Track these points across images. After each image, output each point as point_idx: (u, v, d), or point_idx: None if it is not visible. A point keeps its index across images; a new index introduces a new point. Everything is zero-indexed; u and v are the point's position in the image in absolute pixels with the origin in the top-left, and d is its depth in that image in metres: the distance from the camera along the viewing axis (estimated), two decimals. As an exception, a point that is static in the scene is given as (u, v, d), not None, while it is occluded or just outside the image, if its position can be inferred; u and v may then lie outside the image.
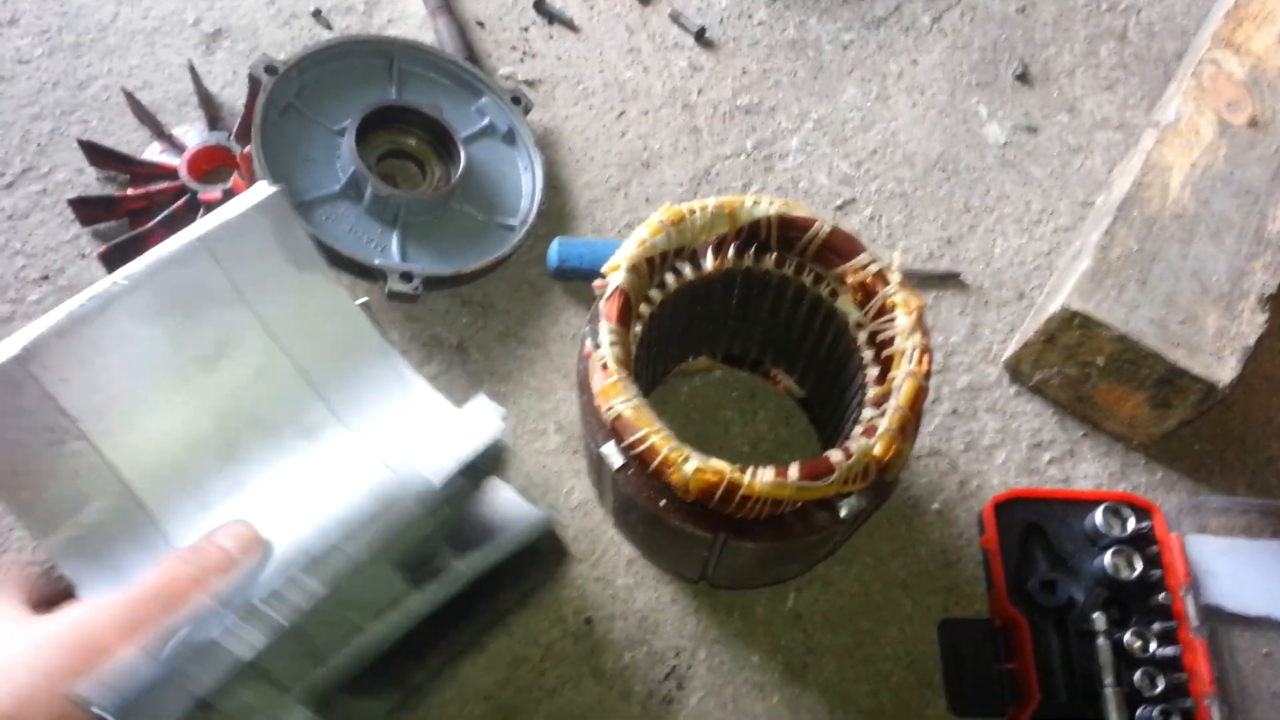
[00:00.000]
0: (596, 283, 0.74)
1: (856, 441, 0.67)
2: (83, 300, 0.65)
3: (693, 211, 0.74)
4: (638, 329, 0.75)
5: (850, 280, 0.76)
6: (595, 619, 0.89)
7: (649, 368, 0.87)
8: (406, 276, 0.92)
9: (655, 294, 0.77)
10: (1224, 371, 0.89)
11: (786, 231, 0.76)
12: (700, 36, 1.19)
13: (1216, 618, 0.91)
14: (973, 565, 0.95)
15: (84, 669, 0.50)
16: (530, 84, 1.15)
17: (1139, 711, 0.85)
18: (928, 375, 0.70)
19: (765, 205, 0.75)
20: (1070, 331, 0.93)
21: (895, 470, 0.70)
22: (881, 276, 0.74)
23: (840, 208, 1.11)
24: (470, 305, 1.01)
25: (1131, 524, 0.91)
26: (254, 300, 0.69)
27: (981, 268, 1.09)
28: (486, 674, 0.85)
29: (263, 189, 0.70)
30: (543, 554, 0.69)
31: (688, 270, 0.78)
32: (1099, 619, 0.87)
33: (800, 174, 1.13)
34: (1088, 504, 0.93)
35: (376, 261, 0.93)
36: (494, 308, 1.01)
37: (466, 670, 0.85)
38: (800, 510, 0.70)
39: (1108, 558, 0.89)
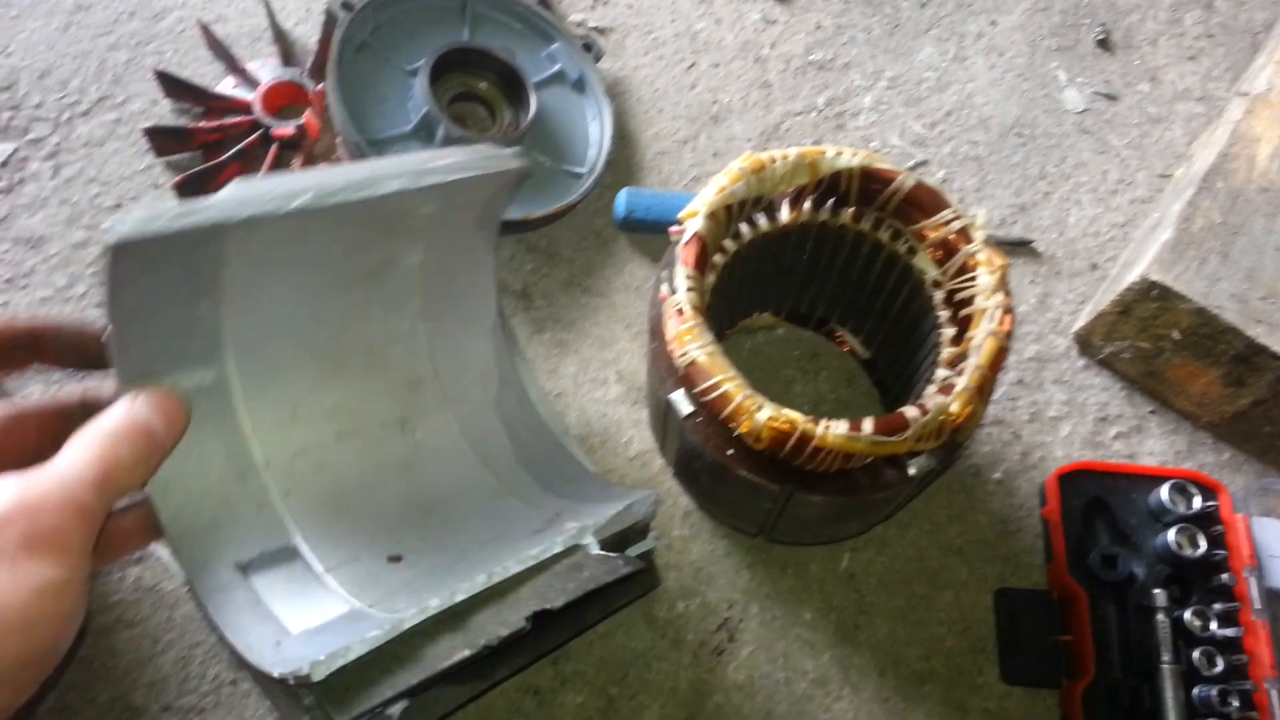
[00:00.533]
0: (673, 228, 0.73)
1: (932, 399, 0.66)
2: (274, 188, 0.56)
3: (774, 160, 0.73)
4: (710, 278, 0.74)
5: (930, 237, 0.74)
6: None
7: (715, 320, 0.87)
8: (475, 219, 0.92)
9: (729, 244, 0.76)
10: (1304, 350, 0.87)
11: (868, 185, 0.75)
12: (775, -10, 1.17)
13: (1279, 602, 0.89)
14: (1031, 536, 0.93)
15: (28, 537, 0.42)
16: (601, 31, 1.14)
17: (1196, 691, 0.83)
18: (1009, 335, 0.68)
19: (848, 156, 0.73)
20: (1147, 303, 0.91)
21: (968, 432, 0.69)
22: (965, 234, 0.72)
23: (912, 169, 1.09)
24: (535, 252, 1.01)
25: (1197, 502, 0.90)
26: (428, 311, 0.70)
27: (1054, 236, 1.07)
28: (541, 617, 0.86)
29: (508, 157, 0.68)
30: (638, 577, 0.71)
31: (763, 221, 0.77)
32: (1159, 595, 0.86)
33: (872, 133, 1.11)
34: (1153, 480, 0.92)
35: (446, 203, 0.93)
36: (559, 255, 1.01)
37: (521, 612, 0.86)
38: (869, 466, 0.70)
39: (1171, 535, 0.88)
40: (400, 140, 0.96)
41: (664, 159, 1.07)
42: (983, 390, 0.67)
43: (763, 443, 0.66)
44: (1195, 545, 0.88)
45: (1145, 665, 0.85)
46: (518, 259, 1.01)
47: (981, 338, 0.68)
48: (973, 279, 0.71)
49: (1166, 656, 0.84)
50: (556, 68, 1.06)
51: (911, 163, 1.09)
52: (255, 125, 0.99)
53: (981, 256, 0.71)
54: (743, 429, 0.66)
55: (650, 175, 1.06)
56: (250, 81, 1.02)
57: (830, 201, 0.78)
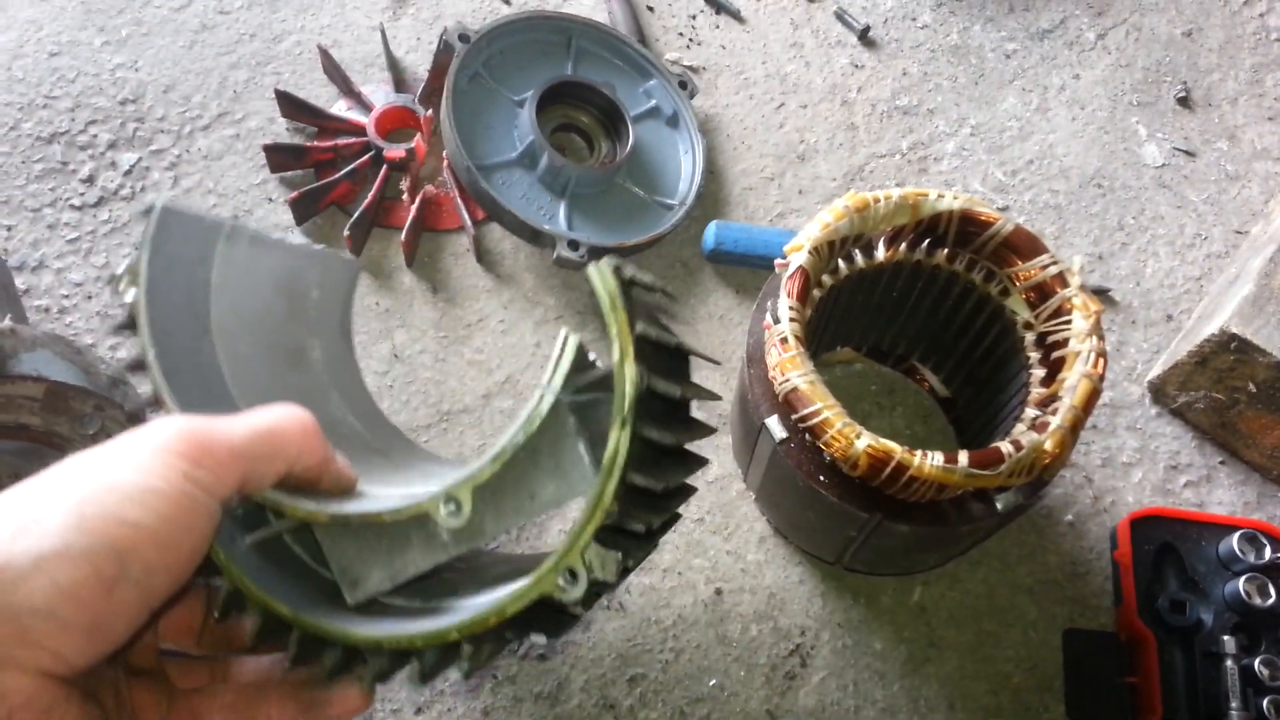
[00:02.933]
0: (778, 261, 0.76)
1: (1026, 436, 0.69)
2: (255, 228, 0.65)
3: (877, 200, 0.76)
4: (807, 311, 0.77)
5: (1025, 280, 0.77)
6: (725, 590, 0.92)
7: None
8: (574, 244, 0.96)
9: (827, 279, 0.80)
10: (1383, 410, 0.88)
11: (966, 227, 0.78)
12: (864, 35, 1.21)
13: (1348, 656, 0.90)
14: (1101, 579, 0.95)
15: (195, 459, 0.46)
16: (694, 70, 1.18)
17: (1264, 739, 0.85)
18: (1102, 378, 0.71)
19: (949, 200, 0.77)
20: (1225, 354, 0.93)
21: (1055, 471, 0.72)
22: (1061, 278, 0.75)
23: (992, 215, 1.12)
24: (625, 278, 1.05)
25: (1268, 552, 0.91)
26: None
27: (1131, 286, 1.09)
28: (619, 632, 0.89)
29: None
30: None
31: (860, 258, 0.81)
32: (1229, 642, 0.87)
33: (954, 178, 1.14)
34: (1223, 529, 0.93)
35: (546, 227, 0.97)
36: (648, 282, 1.05)
37: (601, 625, 0.89)
38: (957, 499, 0.72)
39: (1241, 583, 0.89)
40: (505, 166, 1.01)
41: (751, 195, 1.11)
42: (1075, 430, 0.70)
43: (859, 469, 0.69)
44: (1265, 595, 0.89)
45: (1212, 711, 0.86)
46: (608, 284, 1.04)
47: (1075, 379, 0.70)
48: (1066, 322, 0.74)
49: (1235, 704, 0.85)
50: (652, 103, 1.10)
51: (993, 208, 1.12)
52: (367, 147, 1.04)
53: (1077, 301, 0.73)
54: (840, 455, 0.69)
55: (737, 210, 1.10)
56: (363, 105, 1.07)
57: (926, 242, 0.81)
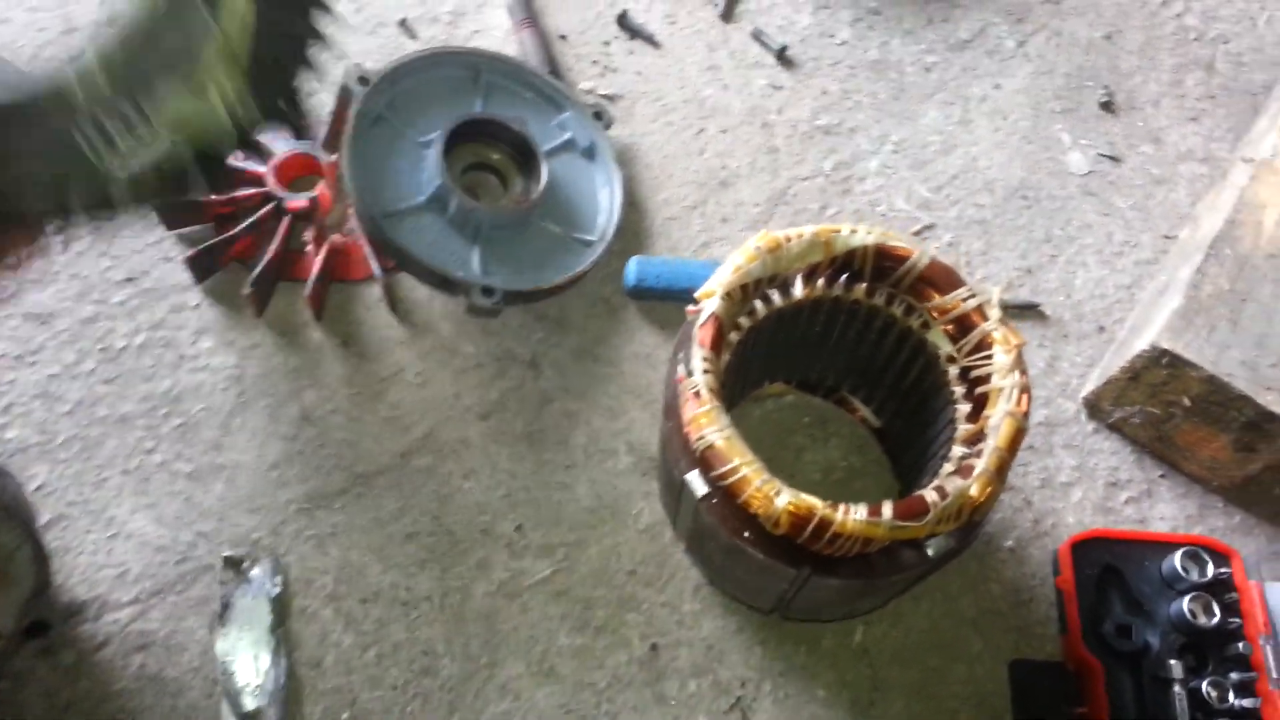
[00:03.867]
0: (690, 308, 0.73)
1: (951, 481, 0.66)
2: None
3: (789, 239, 0.73)
4: (725, 356, 0.74)
5: (944, 314, 0.75)
6: (661, 645, 0.88)
7: (729, 393, 0.87)
8: (488, 291, 0.93)
9: (744, 320, 0.77)
10: (1316, 419, 0.87)
11: (882, 261, 0.76)
12: (781, 55, 1.19)
13: (1295, 669, 0.89)
14: (1045, 605, 0.93)
15: None
16: (610, 99, 1.15)
17: (1217, 764, 0.83)
18: (1026, 416, 0.69)
19: (862, 234, 0.74)
20: (1157, 370, 0.91)
21: (986, 512, 0.69)
22: (980, 311, 0.73)
23: (918, 233, 1.10)
24: (545, 320, 1.01)
25: (1210, 569, 0.89)
26: None
27: (1061, 299, 1.08)
28: (551, 698, 0.85)
29: None
30: None
31: (777, 297, 0.78)
32: (1175, 666, 0.85)
33: (879, 197, 1.12)
34: (1165, 547, 0.92)
35: (459, 275, 0.93)
36: (569, 324, 1.02)
37: (530, 692, 0.85)
38: (887, 548, 0.69)
39: (1185, 603, 0.87)
40: (414, 212, 0.97)
41: (673, 225, 1.08)
42: (1001, 472, 0.67)
43: (781, 528, 0.66)
44: (1210, 614, 0.88)
45: (1163, 739, 0.84)
46: (527, 328, 1.01)
47: (999, 418, 0.68)
48: (988, 356, 0.72)
49: (1185, 730, 0.84)
50: (567, 136, 1.07)
51: (918, 226, 1.10)
52: (268, 198, 1.00)
53: (997, 334, 0.71)
54: (761, 513, 0.66)
55: (659, 242, 1.07)
56: (262, 153, 1.02)
57: (844, 277, 0.78)
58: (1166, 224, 1.13)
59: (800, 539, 0.66)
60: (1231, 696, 0.84)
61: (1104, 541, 0.92)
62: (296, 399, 0.96)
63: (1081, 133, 1.19)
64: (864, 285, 0.78)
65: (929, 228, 1.10)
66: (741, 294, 0.74)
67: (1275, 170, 1.00)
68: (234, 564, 0.90)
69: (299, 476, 0.93)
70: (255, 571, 0.90)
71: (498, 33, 1.16)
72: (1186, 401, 0.92)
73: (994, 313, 0.72)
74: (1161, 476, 1.00)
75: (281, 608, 0.89)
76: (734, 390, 0.90)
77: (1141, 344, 0.91)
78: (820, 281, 0.78)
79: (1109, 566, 0.91)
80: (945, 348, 0.76)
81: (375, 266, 0.98)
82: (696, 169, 1.12)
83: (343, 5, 1.15)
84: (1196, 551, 0.90)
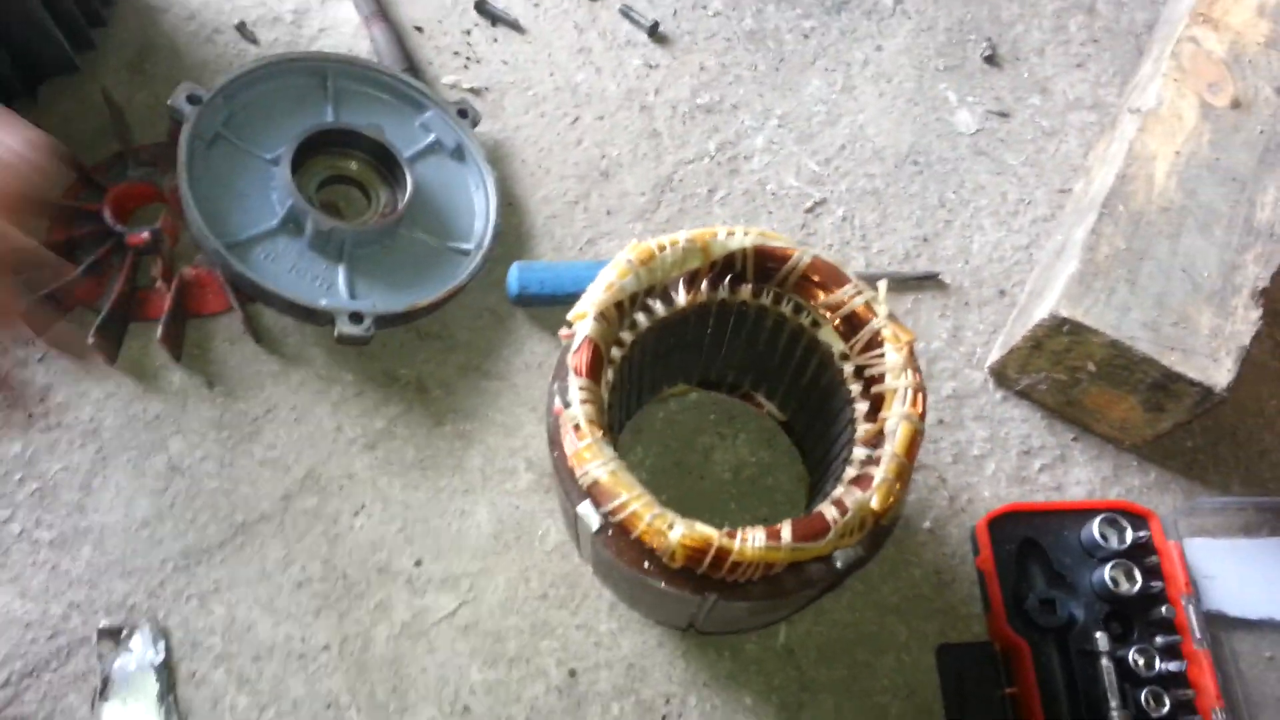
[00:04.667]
0: (563, 332, 0.68)
1: (850, 494, 0.63)
2: None
3: (662, 248, 0.68)
4: (609, 375, 0.69)
5: (834, 311, 0.71)
6: (579, 670, 0.84)
7: (623, 405, 0.82)
8: (356, 317, 0.86)
9: (626, 335, 0.72)
10: (1220, 374, 0.85)
11: (764, 263, 0.71)
12: (653, 32, 1.13)
13: (1218, 624, 0.88)
14: (968, 584, 0.91)
15: None
16: (476, 92, 1.08)
17: (1148, 734, 0.81)
18: (923, 417, 0.65)
19: (740, 237, 0.69)
20: (1059, 338, 0.89)
21: (893, 518, 0.66)
22: (869, 307, 0.68)
23: (811, 209, 1.06)
24: (428, 338, 0.95)
25: (1129, 534, 0.88)
26: None
27: (960, 265, 1.05)
28: (466, 739, 0.81)
29: None
30: None
31: (659, 307, 0.73)
32: (1101, 639, 0.84)
33: (767, 175, 1.07)
34: (1083, 514, 0.90)
35: (323, 303, 0.86)
36: (454, 339, 0.95)
37: (445, 736, 0.80)
38: (793, 565, 0.66)
39: (1107, 571, 0.86)
40: (267, 237, 0.89)
41: (555, 223, 1.02)
42: (902, 477, 0.64)
43: (677, 561, 0.61)
44: (1132, 579, 0.86)
45: (1094, 713, 0.82)
46: (409, 347, 0.95)
47: (895, 421, 0.64)
48: (881, 355, 0.68)
49: (1114, 703, 0.82)
50: (431, 138, 1.00)
51: (810, 203, 1.06)
52: (107, 233, 0.91)
53: (887, 332, 0.67)
54: (655, 546, 0.62)
55: (542, 242, 1.01)
56: (95, 185, 0.94)
57: (728, 279, 0.73)
58: (1060, 178, 1.11)
59: (700, 570, 0.62)
60: (1158, 662, 0.83)
61: (1020, 515, 0.90)
62: (162, 449, 0.89)
63: (968, 90, 1.16)
64: (749, 286, 0.73)
65: (821, 203, 1.06)
66: (618, 311, 0.68)
67: (1161, 119, 0.97)
68: (111, 634, 0.83)
69: (173, 532, 0.86)
70: (135, 639, 0.83)
71: (346, 29, 1.08)
72: (1091, 366, 0.90)
73: (881, 309, 0.68)
74: (1074, 440, 0.98)
75: (168, 675, 0.82)
76: (630, 401, 0.85)
77: (1041, 312, 0.89)
78: (704, 285, 0.73)
79: (1027, 540, 0.89)
80: (838, 346, 0.72)
81: (232, 298, 0.90)
82: (575, 161, 1.06)
83: (174, 13, 1.06)
84: (1114, 517, 0.88)
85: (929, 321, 1.01)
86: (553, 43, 1.12)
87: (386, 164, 0.97)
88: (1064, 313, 0.86)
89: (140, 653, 0.82)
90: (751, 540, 0.60)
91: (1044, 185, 1.10)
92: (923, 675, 0.87)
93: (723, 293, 0.74)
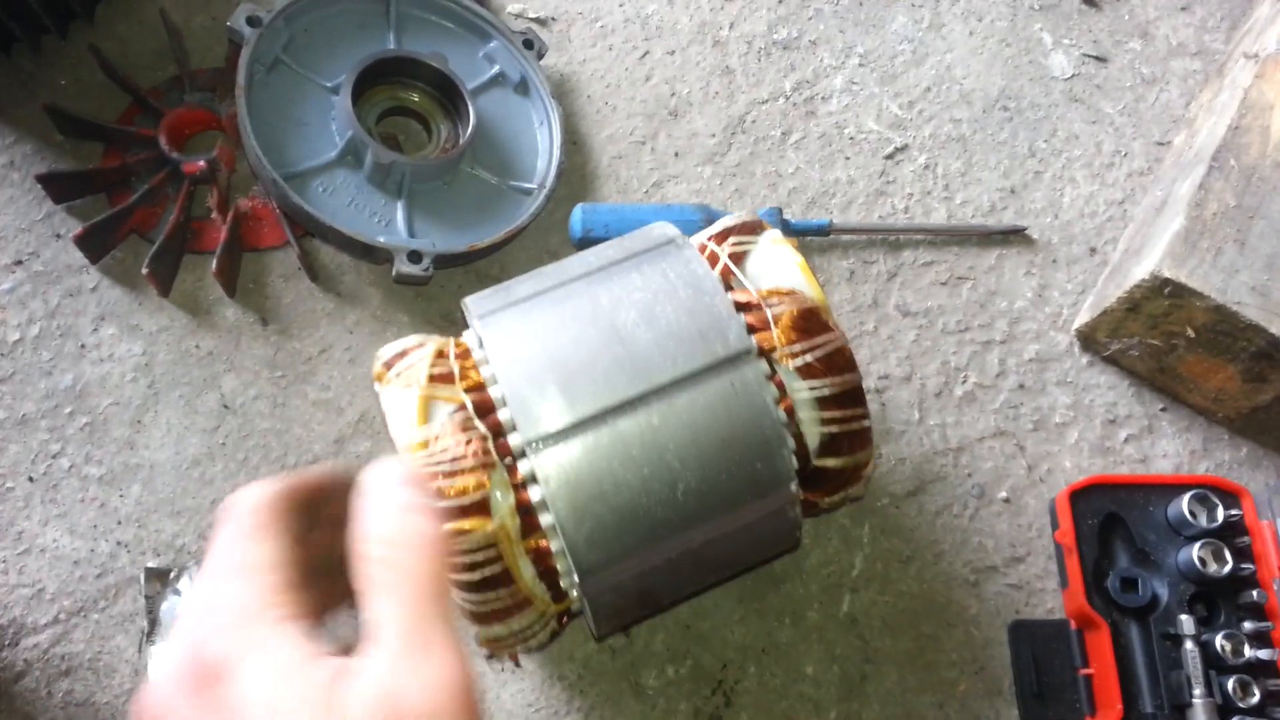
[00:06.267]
0: None
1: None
2: None
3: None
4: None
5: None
6: (634, 630, 0.81)
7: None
8: (415, 256, 0.83)
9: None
10: (1333, 346, 0.79)
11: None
12: (731, -38, 1.07)
13: (1312, 611, 0.83)
14: (1044, 559, 0.86)
15: None
16: (542, 22, 1.03)
17: (1232, 723, 0.77)
18: None
19: None
20: (1159, 300, 0.83)
21: None
22: None
23: (891, 156, 1.00)
24: (487, 280, 0.92)
25: (1220, 512, 0.83)
26: None
27: (1049, 220, 0.98)
28: (518, 697, 0.78)
29: None
30: None
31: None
32: (1186, 621, 0.79)
33: (846, 118, 1.01)
34: (1171, 489, 0.85)
35: (380, 240, 0.83)
36: (512, 283, 0.92)
37: (496, 691, 0.78)
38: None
39: (1195, 551, 0.81)
40: (324, 169, 0.86)
41: (621, 164, 0.98)
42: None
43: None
44: (1221, 560, 0.81)
45: (1175, 698, 0.78)
46: (468, 289, 0.91)
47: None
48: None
49: (1198, 690, 0.78)
50: (495, 70, 0.95)
51: (890, 149, 1.00)
52: (161, 161, 0.88)
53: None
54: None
55: (607, 184, 0.97)
56: (153, 110, 0.91)
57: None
58: (1159, 129, 1.04)
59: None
60: (1247, 649, 0.79)
61: (1104, 488, 0.85)
62: (214, 386, 0.87)
63: (1064, 31, 1.08)
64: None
65: (902, 149, 1.00)
66: None
67: (1282, 66, 0.90)
68: (159, 575, 0.82)
69: (224, 472, 0.85)
70: (183, 581, 0.82)
71: (411, -46, 1.04)
72: (1190, 332, 0.84)
73: None
74: (1163, 410, 0.92)
75: (216, 617, 0.81)
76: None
77: (1141, 272, 0.83)
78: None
79: (1111, 515, 0.85)
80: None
81: (289, 233, 0.87)
82: (644, 98, 1.01)
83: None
84: (1205, 494, 0.83)
85: (1013, 279, 0.96)
86: (623, -29, 1.06)
87: (449, 96, 0.92)
88: (1166, 273, 0.80)
89: (188, 595, 0.81)
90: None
91: (1142, 137, 1.03)
92: (993, 651, 0.83)
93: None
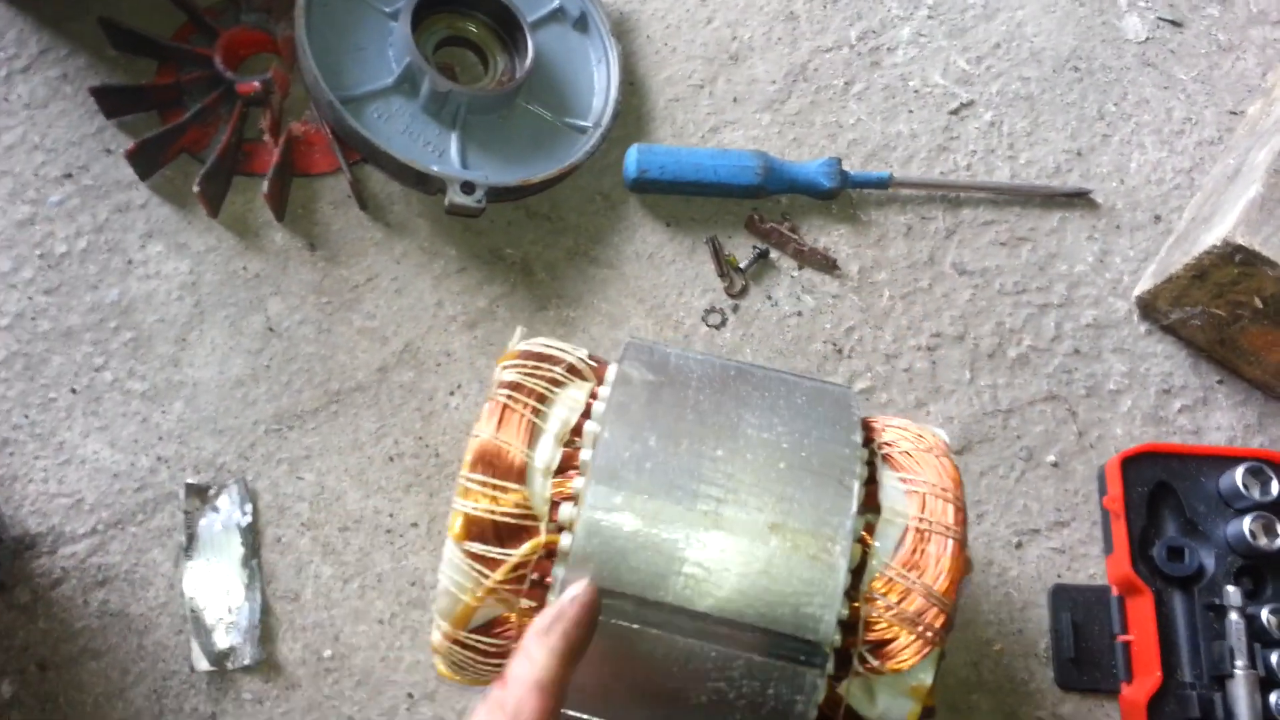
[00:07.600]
0: None
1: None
2: None
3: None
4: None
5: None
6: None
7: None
8: (468, 187, 0.82)
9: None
10: (1407, 323, 0.77)
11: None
12: (799, -95, 1.04)
13: (1362, 592, 0.82)
14: (1089, 525, 0.85)
15: None
16: (604, -41, 1.01)
17: (1274, 698, 0.76)
18: None
19: None
20: (1228, 268, 0.81)
21: None
22: None
23: (956, 112, 0.98)
24: (536, 218, 0.91)
25: (1275, 487, 0.81)
26: None
27: (1114, 185, 0.96)
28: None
29: None
30: None
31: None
32: (1232, 593, 0.78)
33: (911, 70, 0.99)
34: (1225, 461, 0.83)
35: (434, 169, 0.82)
36: (564, 221, 0.91)
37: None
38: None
39: (1246, 523, 0.79)
40: (380, 95, 0.85)
41: (678, 107, 0.96)
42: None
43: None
44: (1272, 534, 0.80)
45: (1217, 670, 0.77)
46: (517, 225, 0.90)
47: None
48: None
49: (1241, 662, 0.76)
50: (555, 4, 0.94)
51: (955, 104, 0.98)
52: (215, 80, 0.88)
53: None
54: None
55: (663, 126, 0.95)
56: (208, 29, 0.90)
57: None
58: (1233, 98, 1.01)
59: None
60: (1294, 625, 0.77)
61: (1156, 456, 0.84)
62: (260, 308, 0.86)
63: (1139, -8, 1.05)
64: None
65: (967, 105, 0.98)
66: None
67: (1370, 33, 0.87)
68: (198, 491, 0.82)
69: (267, 395, 0.84)
70: (222, 499, 0.82)
71: (474, -118, 1.02)
72: (1258, 302, 0.82)
73: None
74: (1219, 382, 0.90)
75: (253, 538, 0.81)
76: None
77: (1212, 239, 0.81)
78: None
79: (1161, 484, 0.83)
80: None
81: (341, 158, 0.86)
82: (704, 41, 0.99)
83: None
84: (1260, 467, 0.81)
85: (1075, 243, 0.93)
86: (689, -91, 1.04)
87: (507, 28, 0.91)
88: (1240, 240, 0.78)
89: (227, 513, 0.81)
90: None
91: (1214, 105, 1.00)
92: (1031, 614, 0.82)
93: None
